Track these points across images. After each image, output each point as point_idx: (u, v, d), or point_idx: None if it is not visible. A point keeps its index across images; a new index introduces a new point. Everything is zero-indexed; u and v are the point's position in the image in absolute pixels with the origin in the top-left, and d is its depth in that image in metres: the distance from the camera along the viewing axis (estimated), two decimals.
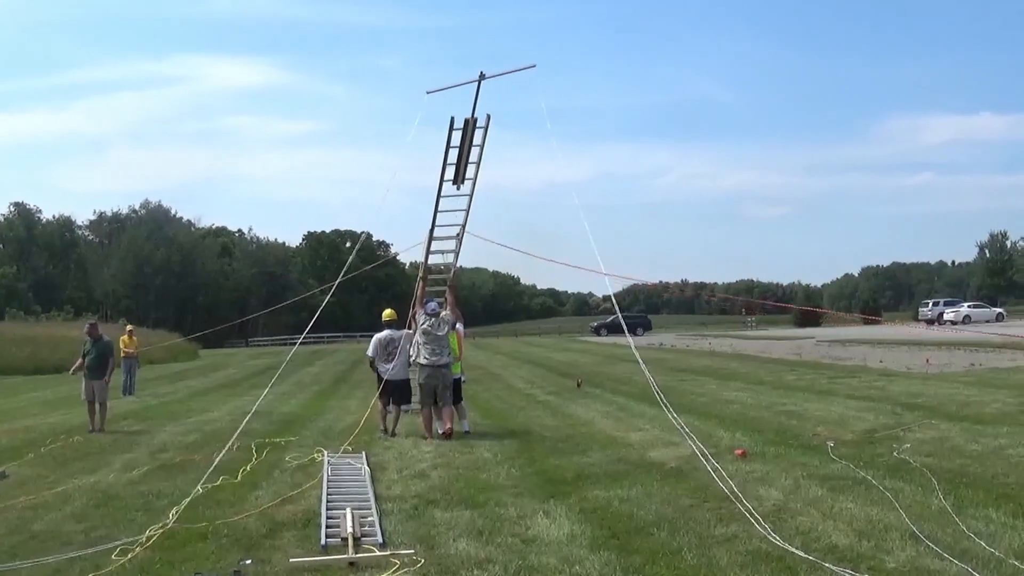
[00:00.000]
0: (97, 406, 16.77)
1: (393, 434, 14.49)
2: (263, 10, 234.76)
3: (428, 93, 13.16)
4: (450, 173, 13.79)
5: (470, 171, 13.88)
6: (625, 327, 16.08)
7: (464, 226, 14.90)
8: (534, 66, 13.24)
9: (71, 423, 18.20)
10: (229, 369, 43.89)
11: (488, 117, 13.24)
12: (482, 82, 12.65)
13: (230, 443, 12.11)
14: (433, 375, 13.92)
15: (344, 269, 16.10)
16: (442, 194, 14.19)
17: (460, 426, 14.40)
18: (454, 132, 13.26)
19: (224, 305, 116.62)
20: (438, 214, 14.62)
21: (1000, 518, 7.78)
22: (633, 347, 14.00)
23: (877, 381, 21.43)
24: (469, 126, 13.07)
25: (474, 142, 13.42)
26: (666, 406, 10.86)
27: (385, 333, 14.87)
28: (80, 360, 17.31)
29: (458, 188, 14.13)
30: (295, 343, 19.56)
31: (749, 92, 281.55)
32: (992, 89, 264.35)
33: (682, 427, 10.56)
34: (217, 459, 11.05)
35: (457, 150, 13.45)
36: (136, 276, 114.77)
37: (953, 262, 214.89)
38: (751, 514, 7.84)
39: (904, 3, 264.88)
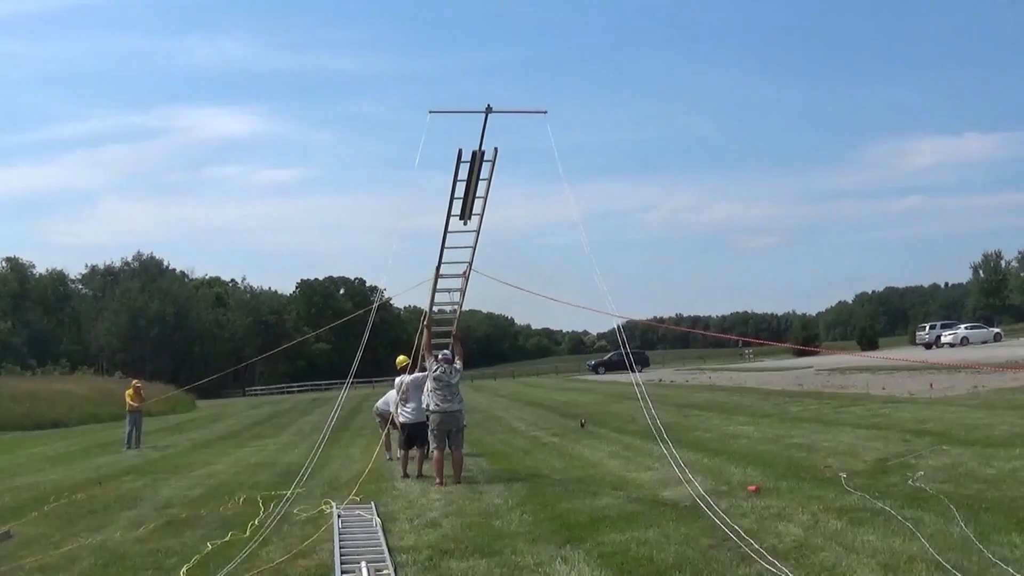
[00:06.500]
0: None
1: (419, 475, 14.97)
2: (245, 60, 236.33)
3: (431, 113, 12.84)
4: (457, 208, 13.54)
5: (477, 206, 13.63)
6: (632, 363, 15.84)
7: (471, 263, 14.68)
8: (545, 111, 13.10)
9: (74, 479, 18.03)
10: (229, 420, 43.69)
11: (496, 150, 12.96)
12: (488, 116, 12.33)
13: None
14: (446, 420, 14.03)
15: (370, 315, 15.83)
16: (448, 230, 13.95)
17: None
18: (461, 165, 12.94)
19: (220, 355, 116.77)
20: (444, 251, 14.39)
21: None
22: (639, 384, 13.87)
23: (882, 408, 21.29)
24: (476, 159, 12.77)
25: (481, 176, 13.14)
26: (666, 442, 10.76)
27: (400, 378, 15.64)
28: None
29: (465, 224, 13.90)
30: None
31: (732, 124, 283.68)
32: (976, 109, 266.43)
33: (677, 463, 10.44)
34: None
35: (464, 184, 13.14)
36: (131, 328, 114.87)
37: (946, 284, 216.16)
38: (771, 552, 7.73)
39: (884, 27, 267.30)
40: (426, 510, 11.69)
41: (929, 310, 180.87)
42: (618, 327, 15.09)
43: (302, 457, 19.07)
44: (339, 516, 11.13)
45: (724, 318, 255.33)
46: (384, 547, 9.28)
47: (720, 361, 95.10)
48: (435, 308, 15.66)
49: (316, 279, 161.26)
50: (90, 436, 34.73)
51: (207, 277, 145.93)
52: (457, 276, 15.05)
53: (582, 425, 23.48)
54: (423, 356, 14.81)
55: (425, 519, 11.00)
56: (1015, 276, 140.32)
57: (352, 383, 15.82)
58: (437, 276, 14.71)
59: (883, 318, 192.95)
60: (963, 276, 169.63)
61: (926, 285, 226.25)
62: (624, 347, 13.94)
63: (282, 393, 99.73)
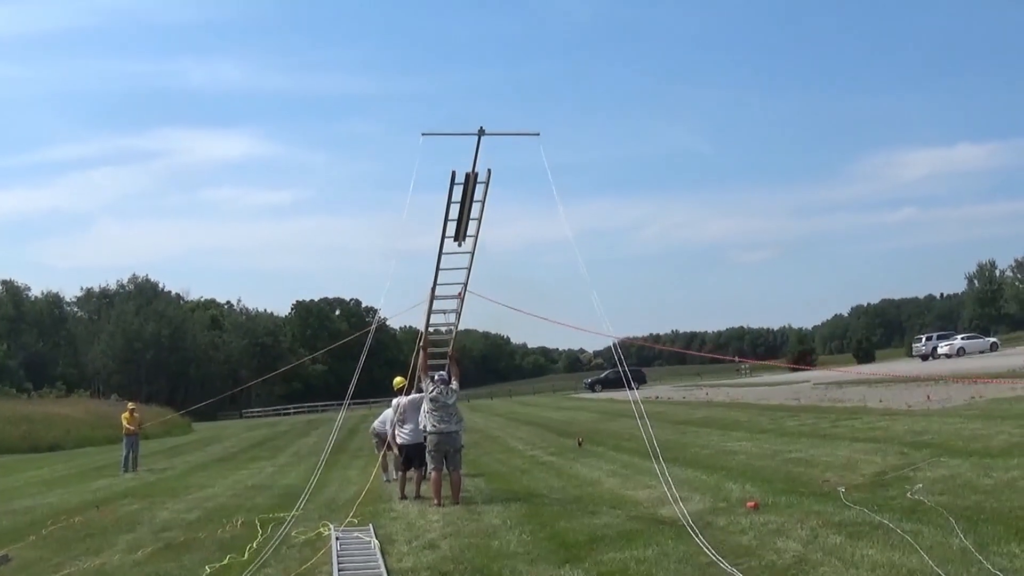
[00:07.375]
0: None
1: (417, 496, 14.93)
2: (239, 82, 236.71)
3: (424, 135, 12.81)
4: (451, 230, 13.50)
5: (471, 227, 13.62)
6: (629, 380, 15.76)
7: (466, 284, 14.67)
8: (538, 134, 13.07)
9: (71, 503, 17.99)
10: (225, 442, 43.58)
11: (489, 172, 12.94)
12: (481, 138, 12.33)
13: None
14: (443, 441, 13.99)
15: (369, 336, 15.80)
16: (443, 251, 13.93)
17: None
18: (455, 187, 12.92)
19: (216, 377, 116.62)
20: (439, 272, 14.31)
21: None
22: (635, 402, 13.83)
23: (880, 421, 21.22)
24: (470, 181, 12.76)
25: (475, 197, 13.13)
26: (657, 457, 10.74)
27: (397, 400, 15.76)
28: None
29: (459, 245, 13.88)
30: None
31: (724, 139, 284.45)
32: (968, 119, 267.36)
33: (665, 478, 10.42)
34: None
35: (458, 205, 13.12)
36: (126, 351, 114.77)
37: (942, 295, 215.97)
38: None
39: (873, 40, 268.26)
40: (424, 531, 11.65)
41: (925, 321, 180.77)
42: (614, 345, 15.06)
43: (299, 479, 19.05)
44: (337, 538, 11.09)
45: (720, 333, 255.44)
46: (383, 569, 9.26)
47: (717, 377, 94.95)
48: (431, 329, 15.62)
49: (311, 300, 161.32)
50: (87, 459, 34.71)
51: (202, 299, 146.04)
52: (452, 297, 15.02)
53: (579, 444, 23.40)
54: (419, 377, 14.79)
55: (423, 540, 10.95)
56: (1010, 285, 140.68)
57: (348, 404, 15.84)
58: (432, 298, 14.68)
59: (879, 330, 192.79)
60: (958, 287, 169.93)
61: (922, 296, 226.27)
62: (622, 366, 13.91)
63: (278, 415, 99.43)
